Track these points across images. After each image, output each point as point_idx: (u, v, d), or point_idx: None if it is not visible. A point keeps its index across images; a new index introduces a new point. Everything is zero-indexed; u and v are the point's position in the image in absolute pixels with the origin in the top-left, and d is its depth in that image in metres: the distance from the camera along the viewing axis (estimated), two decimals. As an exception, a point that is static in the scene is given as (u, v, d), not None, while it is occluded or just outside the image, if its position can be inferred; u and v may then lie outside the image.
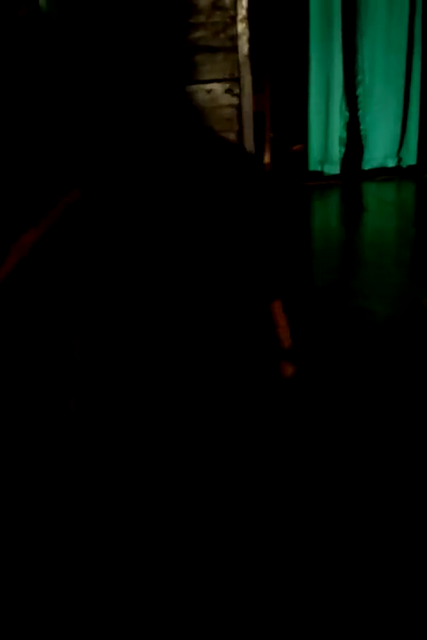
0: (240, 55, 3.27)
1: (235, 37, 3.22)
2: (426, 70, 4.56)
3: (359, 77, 4.59)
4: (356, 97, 4.66)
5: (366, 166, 4.75)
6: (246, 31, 3.22)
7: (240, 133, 3.51)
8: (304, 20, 4.43)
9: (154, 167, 1.42)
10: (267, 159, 4.77)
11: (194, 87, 3.33)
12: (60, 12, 3.11)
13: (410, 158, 4.70)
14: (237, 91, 3.38)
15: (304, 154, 4.80)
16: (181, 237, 1.28)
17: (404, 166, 4.74)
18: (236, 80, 3.34)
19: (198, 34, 3.21)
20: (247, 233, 1.44)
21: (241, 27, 3.19)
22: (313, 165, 4.77)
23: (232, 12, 3.17)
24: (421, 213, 3.90)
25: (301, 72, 4.65)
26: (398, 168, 4.75)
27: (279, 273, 1.50)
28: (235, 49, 3.26)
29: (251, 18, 3.22)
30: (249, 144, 3.59)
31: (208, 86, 3.34)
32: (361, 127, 4.68)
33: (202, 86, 3.34)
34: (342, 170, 4.75)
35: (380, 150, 4.72)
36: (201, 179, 1.38)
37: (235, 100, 3.40)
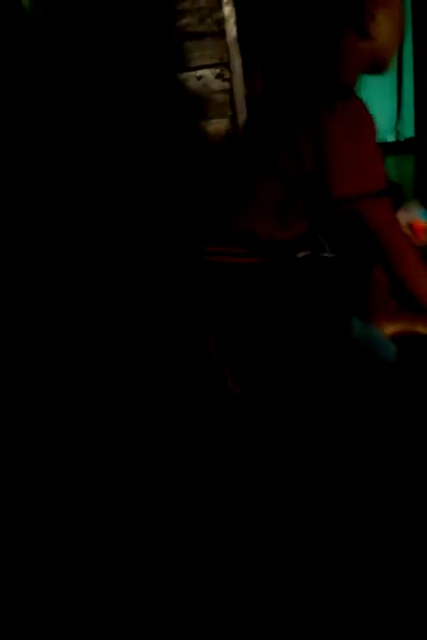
0: (228, 39, 3.23)
1: (222, 21, 3.18)
2: (417, 45, 4.51)
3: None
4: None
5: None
6: (233, 14, 3.18)
7: (234, 118, 3.47)
8: None
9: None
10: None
11: (185, 75, 3.30)
12: (45, 12, 3.09)
13: (408, 131, 4.66)
14: (227, 75, 3.34)
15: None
16: None
17: (402, 140, 4.69)
18: (225, 65, 3.30)
19: (185, 20, 3.17)
20: None
21: (227, 10, 3.16)
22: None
23: (218, -4, 3.14)
24: (421, 185, 3.84)
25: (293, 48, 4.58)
26: (397, 142, 4.71)
27: None
28: (223, 33, 3.22)
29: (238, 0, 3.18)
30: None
31: (199, 73, 3.30)
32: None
33: (192, 73, 3.30)
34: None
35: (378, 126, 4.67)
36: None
37: (226, 85, 3.36)
